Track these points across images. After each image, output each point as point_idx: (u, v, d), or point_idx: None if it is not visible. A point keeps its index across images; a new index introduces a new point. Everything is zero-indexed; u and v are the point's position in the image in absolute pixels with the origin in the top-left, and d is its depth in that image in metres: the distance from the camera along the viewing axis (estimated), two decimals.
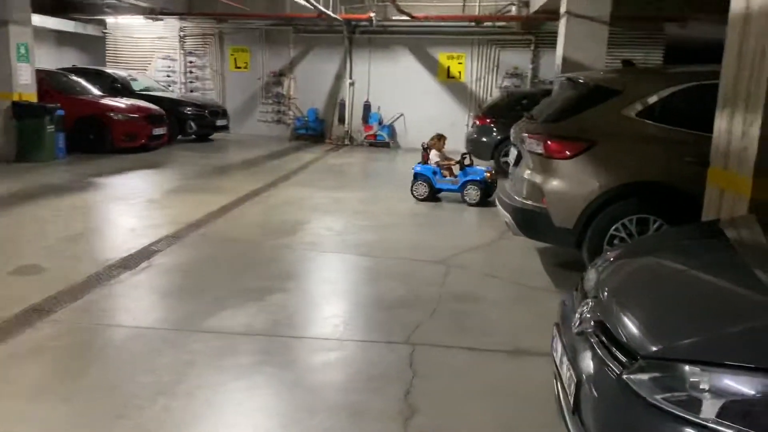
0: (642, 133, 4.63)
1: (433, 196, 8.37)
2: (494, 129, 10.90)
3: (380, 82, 15.60)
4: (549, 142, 4.75)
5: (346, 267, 5.42)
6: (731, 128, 3.79)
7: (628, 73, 5.18)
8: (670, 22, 12.92)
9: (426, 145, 8.64)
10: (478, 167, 8.35)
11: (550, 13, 12.84)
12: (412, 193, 8.37)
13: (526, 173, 5.00)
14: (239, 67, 16.66)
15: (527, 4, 13.93)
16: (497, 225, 6.60)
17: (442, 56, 15.22)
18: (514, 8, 13.91)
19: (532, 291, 4.86)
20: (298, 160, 12.56)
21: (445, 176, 8.29)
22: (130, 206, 7.52)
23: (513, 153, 5.58)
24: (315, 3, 12.36)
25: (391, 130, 15.76)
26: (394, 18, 14.36)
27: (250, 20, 15.81)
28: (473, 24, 14.36)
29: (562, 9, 9.58)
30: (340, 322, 4.13)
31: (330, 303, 4.54)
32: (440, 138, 8.63)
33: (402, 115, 15.64)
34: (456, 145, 14.84)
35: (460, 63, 15.11)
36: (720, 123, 3.90)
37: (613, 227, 4.63)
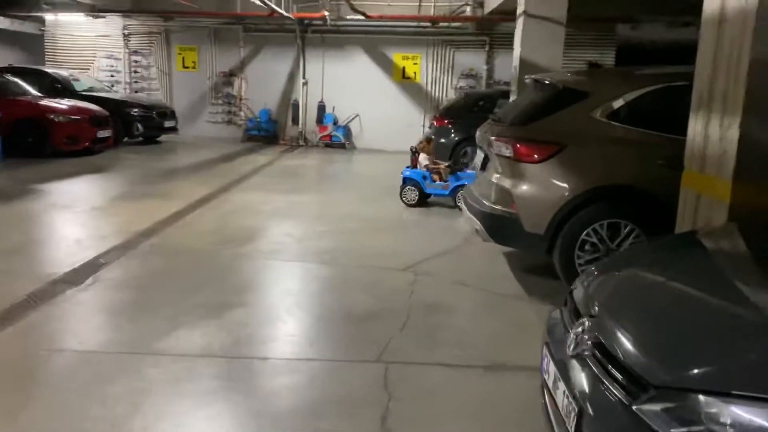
0: (611, 135, 4.55)
1: (424, 201, 8.13)
2: (453, 130, 10.77)
3: (335, 82, 15.34)
4: (518, 146, 4.62)
5: (308, 277, 5.16)
6: (707, 130, 3.71)
7: (596, 75, 5.11)
8: (623, 23, 13.09)
9: (415, 149, 8.46)
10: (470, 171, 8.13)
11: (506, 14, 12.87)
12: (402, 199, 8.09)
13: (494, 177, 4.86)
14: (187, 67, 16.14)
15: (482, 5, 13.92)
16: (466, 229, 6.46)
17: (397, 56, 15.07)
18: (468, 9, 13.87)
19: (503, 299, 4.72)
20: (252, 162, 12.20)
21: (435, 180, 8.06)
22: (74, 215, 7.07)
23: (479, 156, 5.43)
24: (267, 1, 12.04)
25: (347, 131, 15.53)
26: (348, 17, 14.14)
27: (198, 18, 15.32)
28: (428, 24, 14.25)
29: (519, 9, 9.53)
30: (305, 340, 3.90)
31: (293, 318, 4.28)
32: (429, 141, 8.53)
33: (357, 115, 15.43)
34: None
35: (415, 63, 14.99)
36: (695, 125, 3.82)
37: (585, 232, 4.53)
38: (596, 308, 2.25)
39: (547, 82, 5.00)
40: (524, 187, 4.61)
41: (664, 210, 4.33)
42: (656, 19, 12.53)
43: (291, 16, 13.77)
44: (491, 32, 14.25)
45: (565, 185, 4.50)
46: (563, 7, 9.22)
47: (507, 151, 4.70)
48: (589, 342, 2.11)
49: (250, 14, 14.22)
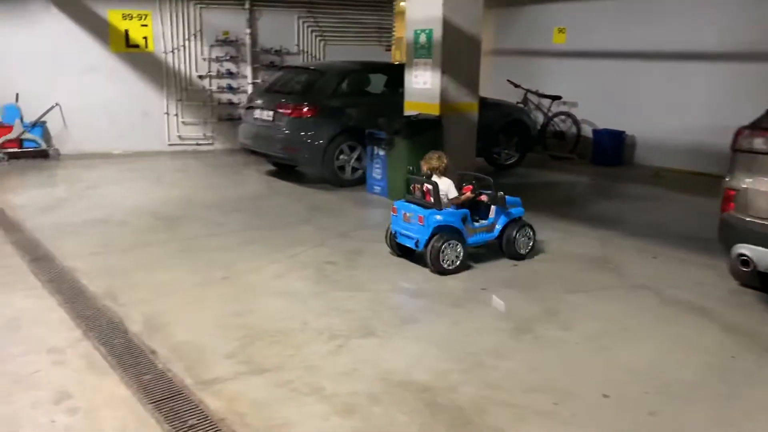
0: None
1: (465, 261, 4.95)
2: (325, 122, 7.85)
3: (10, 56, 9.78)
4: None
5: None
6: None
7: None
8: None
9: (428, 172, 5.17)
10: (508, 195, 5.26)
11: None
12: (441, 265, 4.80)
13: None
14: None
15: None
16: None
17: (115, 15, 10.36)
18: None
19: None
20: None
21: (475, 221, 5.12)
22: None
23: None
24: None
25: (43, 130, 10.18)
26: None
27: None
28: None
29: None
30: None
31: None
32: (440, 157, 5.20)
33: (57, 105, 10.20)
34: (152, 143, 10.55)
35: (144, 26, 10.57)
36: None
37: None
38: None
39: None
40: None
41: None
42: None
43: None
44: None
45: None
46: None
47: None
48: None
49: None
